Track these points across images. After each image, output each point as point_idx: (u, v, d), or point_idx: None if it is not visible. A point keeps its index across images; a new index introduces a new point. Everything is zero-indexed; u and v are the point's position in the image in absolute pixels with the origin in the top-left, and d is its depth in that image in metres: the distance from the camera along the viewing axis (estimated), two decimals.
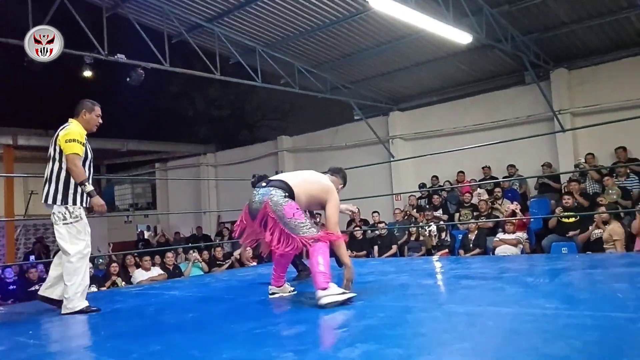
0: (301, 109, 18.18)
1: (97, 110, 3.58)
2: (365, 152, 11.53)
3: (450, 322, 2.35)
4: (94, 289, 6.74)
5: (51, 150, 3.43)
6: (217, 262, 8.78)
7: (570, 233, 7.19)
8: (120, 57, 6.97)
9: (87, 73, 6.71)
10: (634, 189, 7.64)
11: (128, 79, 7.32)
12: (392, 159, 10.83)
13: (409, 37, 8.50)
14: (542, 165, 9.01)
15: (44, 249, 12.97)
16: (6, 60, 9.55)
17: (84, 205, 3.42)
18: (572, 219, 7.25)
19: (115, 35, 7.09)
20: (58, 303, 3.41)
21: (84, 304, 3.32)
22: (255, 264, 8.22)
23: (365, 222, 9.78)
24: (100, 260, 9.21)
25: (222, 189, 14.84)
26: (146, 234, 14.69)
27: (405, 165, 11.02)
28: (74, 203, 3.35)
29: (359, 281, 3.77)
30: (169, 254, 8.15)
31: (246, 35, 8.60)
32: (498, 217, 8.05)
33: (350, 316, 2.63)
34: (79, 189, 3.37)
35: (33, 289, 7.37)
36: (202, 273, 7.98)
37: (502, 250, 7.15)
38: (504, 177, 9.36)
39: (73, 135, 3.36)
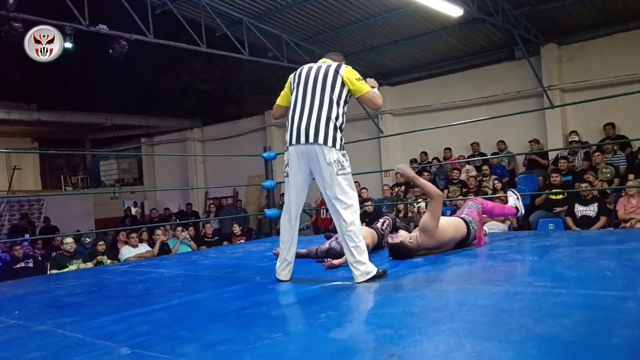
0: None
1: None
2: (355, 128, 11.38)
3: (440, 301, 2.34)
4: (81, 265, 6.69)
5: (323, 89, 3.04)
6: (206, 239, 8.75)
7: (557, 209, 7.26)
8: (102, 28, 6.76)
9: (68, 44, 6.48)
10: (620, 165, 7.70)
11: (111, 51, 7.13)
12: (381, 135, 10.77)
13: (399, 10, 8.35)
14: (530, 142, 9.01)
15: (30, 225, 12.80)
16: None
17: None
18: (559, 196, 7.31)
19: (97, 5, 6.86)
20: None
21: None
22: (243, 240, 8.21)
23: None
24: (87, 239, 9.09)
25: (210, 165, 14.70)
26: (133, 210, 14.55)
27: (394, 141, 10.97)
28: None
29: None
30: (158, 231, 8.09)
31: (232, 6, 8.37)
32: (486, 193, 8.08)
33: (341, 296, 2.62)
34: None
35: (19, 266, 7.28)
36: (190, 250, 7.95)
37: (489, 226, 7.17)
38: (492, 154, 9.36)
39: (358, 74, 3.08)
